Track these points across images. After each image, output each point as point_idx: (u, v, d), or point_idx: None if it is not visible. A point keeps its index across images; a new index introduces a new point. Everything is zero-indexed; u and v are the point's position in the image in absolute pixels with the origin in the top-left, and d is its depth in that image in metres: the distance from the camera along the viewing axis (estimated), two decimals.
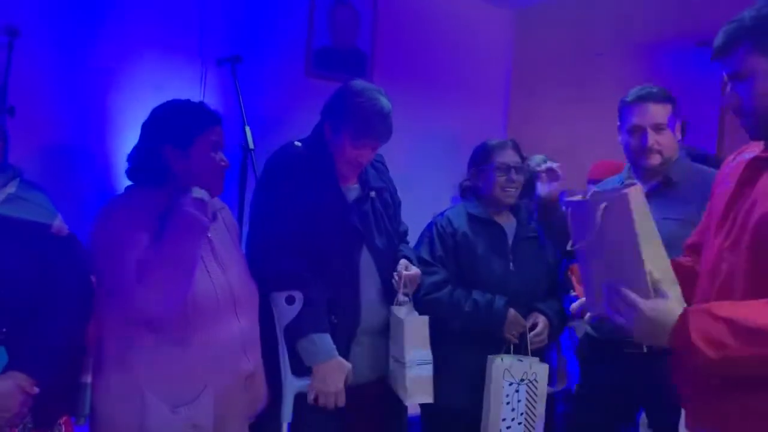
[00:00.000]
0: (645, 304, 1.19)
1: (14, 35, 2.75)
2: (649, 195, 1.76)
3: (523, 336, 2.11)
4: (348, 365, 1.87)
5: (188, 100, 1.76)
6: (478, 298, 2.10)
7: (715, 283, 1.28)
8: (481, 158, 2.25)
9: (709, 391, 1.25)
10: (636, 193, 1.24)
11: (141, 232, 1.59)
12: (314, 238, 1.89)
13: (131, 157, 1.72)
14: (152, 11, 3.26)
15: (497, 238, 2.20)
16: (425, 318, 1.96)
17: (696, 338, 1.13)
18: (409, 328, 1.91)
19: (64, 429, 1.58)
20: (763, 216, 1.20)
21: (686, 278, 1.32)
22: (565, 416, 2.50)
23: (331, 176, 1.97)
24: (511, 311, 2.10)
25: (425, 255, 2.18)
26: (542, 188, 2.21)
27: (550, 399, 2.19)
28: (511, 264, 2.18)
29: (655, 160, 2.05)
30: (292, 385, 1.87)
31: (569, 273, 2.38)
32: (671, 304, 1.19)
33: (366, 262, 1.98)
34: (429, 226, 2.26)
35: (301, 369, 1.87)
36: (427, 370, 1.94)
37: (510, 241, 2.21)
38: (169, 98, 1.77)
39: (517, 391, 2.04)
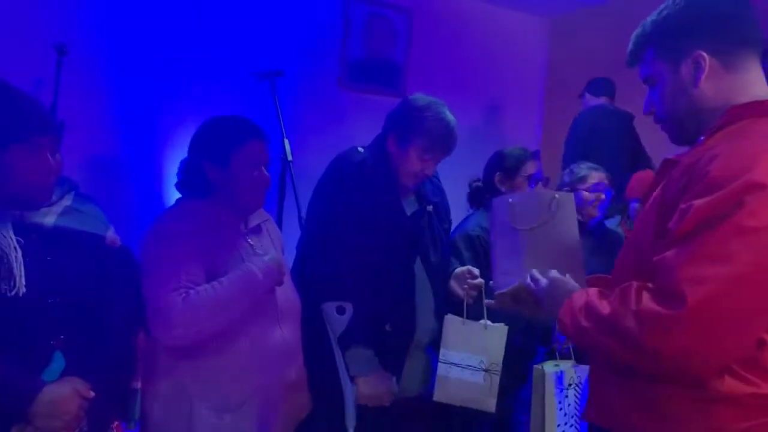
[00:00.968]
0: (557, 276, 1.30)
1: (63, 53, 2.86)
2: None
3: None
4: (392, 378, 1.89)
5: (230, 116, 1.79)
6: None
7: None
8: (512, 165, 2.28)
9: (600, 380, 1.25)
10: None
11: (188, 247, 1.63)
12: (371, 249, 1.90)
13: (179, 171, 1.78)
14: (196, 28, 3.37)
15: None
16: (475, 324, 1.91)
17: (564, 313, 1.18)
18: (446, 327, 1.90)
19: None
20: (654, 198, 1.19)
21: None
22: None
23: (393, 188, 1.98)
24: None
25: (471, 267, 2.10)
26: (588, 211, 2.36)
27: None
28: None
29: None
30: (353, 392, 1.88)
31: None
32: (572, 283, 1.28)
33: (420, 275, 1.99)
34: (470, 240, 2.22)
35: None
36: (458, 373, 1.89)
37: None
38: (215, 113, 1.81)
39: (566, 396, 2.06)
